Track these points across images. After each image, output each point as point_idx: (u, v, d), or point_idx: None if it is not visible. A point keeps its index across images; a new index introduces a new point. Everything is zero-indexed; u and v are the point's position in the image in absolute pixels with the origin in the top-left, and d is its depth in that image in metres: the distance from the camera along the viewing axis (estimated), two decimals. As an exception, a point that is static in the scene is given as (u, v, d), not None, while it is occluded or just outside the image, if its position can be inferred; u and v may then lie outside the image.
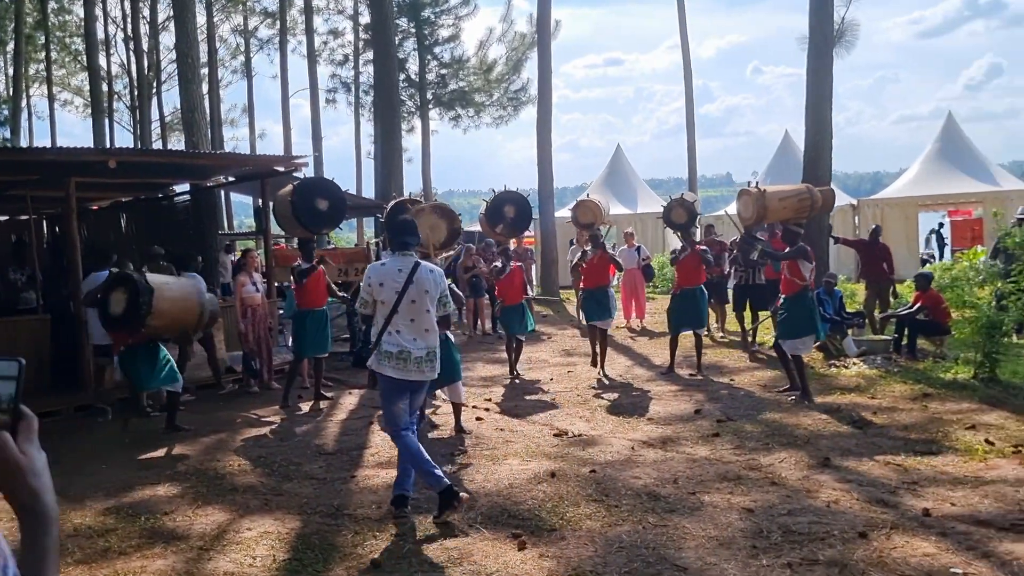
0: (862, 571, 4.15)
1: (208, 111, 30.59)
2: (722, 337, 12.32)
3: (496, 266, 10.28)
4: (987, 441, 6.34)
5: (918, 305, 10.16)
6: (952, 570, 4.13)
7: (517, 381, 9.89)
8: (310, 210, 7.47)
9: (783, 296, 8.70)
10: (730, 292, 12.41)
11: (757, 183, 9.96)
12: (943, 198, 20.20)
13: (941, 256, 23.02)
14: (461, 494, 5.15)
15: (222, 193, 25.69)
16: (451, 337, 7.56)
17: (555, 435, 7.22)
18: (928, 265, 18.64)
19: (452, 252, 11.92)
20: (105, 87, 32.65)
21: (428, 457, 5.24)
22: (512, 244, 15.48)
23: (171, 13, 20.33)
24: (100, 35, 32.63)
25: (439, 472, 5.18)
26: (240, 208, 40.69)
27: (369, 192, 25.20)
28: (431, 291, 5.32)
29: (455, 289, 8.39)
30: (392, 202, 9.90)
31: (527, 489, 5.72)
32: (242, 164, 11.98)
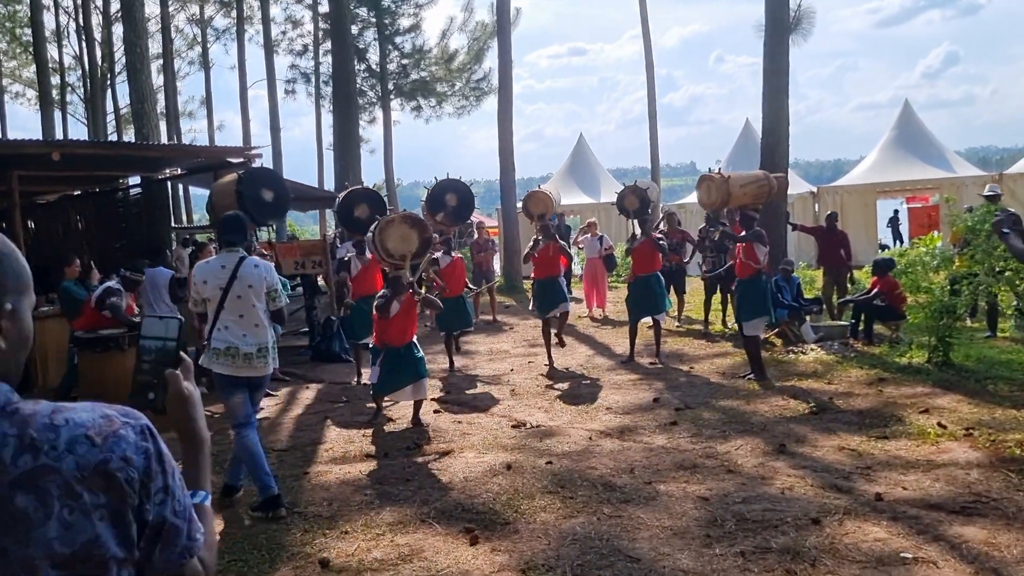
0: (814, 558, 4.13)
1: (164, 103, 30.11)
2: (678, 327, 12.33)
3: (438, 257, 10.02)
4: (939, 424, 6.39)
5: (875, 290, 10.25)
6: (902, 554, 4.13)
7: (458, 374, 9.84)
8: (257, 201, 7.22)
9: (738, 279, 8.78)
10: (700, 279, 12.47)
11: (720, 170, 9.99)
12: (900, 185, 20.42)
13: (897, 242, 23.33)
14: (282, 509, 5.17)
15: (179, 186, 25.24)
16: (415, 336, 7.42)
17: (513, 426, 7.15)
18: (887, 251, 18.88)
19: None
20: (57, 79, 31.88)
21: (263, 459, 5.28)
22: (475, 234, 15.43)
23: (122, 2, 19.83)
24: (52, 26, 31.90)
25: (270, 478, 5.24)
26: (200, 201, 39.96)
27: (331, 184, 24.90)
28: (255, 285, 5.24)
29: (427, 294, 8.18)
30: (344, 192, 9.61)
31: (482, 482, 5.64)
32: (193, 156, 11.73)
